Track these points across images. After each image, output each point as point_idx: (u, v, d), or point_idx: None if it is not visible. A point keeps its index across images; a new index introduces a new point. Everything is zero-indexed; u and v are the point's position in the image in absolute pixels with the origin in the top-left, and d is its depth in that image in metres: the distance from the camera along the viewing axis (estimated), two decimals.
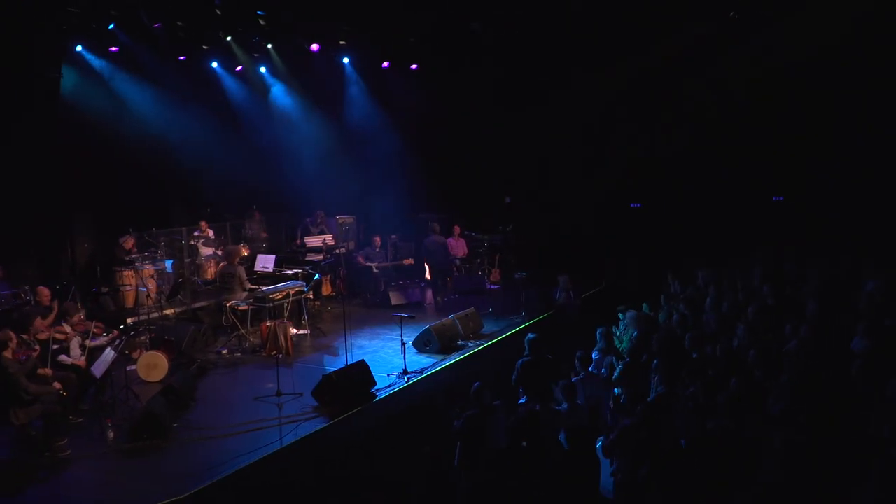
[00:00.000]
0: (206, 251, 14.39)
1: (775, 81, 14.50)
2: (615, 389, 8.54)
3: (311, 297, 13.96)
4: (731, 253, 13.68)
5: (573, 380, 8.05)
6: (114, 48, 12.94)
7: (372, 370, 9.88)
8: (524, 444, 6.60)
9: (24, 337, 8.24)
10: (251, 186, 15.82)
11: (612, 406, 8.29)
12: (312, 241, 15.24)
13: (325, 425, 8.30)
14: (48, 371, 8.08)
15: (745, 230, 15.03)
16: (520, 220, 16.70)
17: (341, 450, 8.24)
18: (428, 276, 16.11)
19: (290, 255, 15.21)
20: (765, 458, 5.71)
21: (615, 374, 8.76)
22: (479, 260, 16.21)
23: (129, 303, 12.49)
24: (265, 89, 16.43)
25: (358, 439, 8.53)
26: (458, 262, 16.06)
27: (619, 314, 10.98)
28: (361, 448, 8.39)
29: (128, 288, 12.37)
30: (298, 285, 12.00)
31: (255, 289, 11.77)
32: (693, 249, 14.38)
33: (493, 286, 15.72)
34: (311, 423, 8.34)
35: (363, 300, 14.79)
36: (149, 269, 12.80)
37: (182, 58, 14.25)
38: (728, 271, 12.20)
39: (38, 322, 8.87)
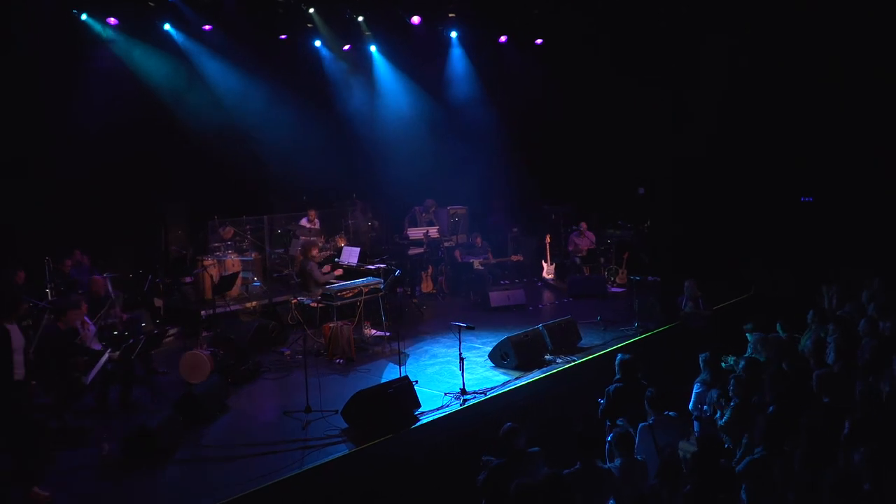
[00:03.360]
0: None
1: None
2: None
3: (409, 293, 12.89)
4: None
5: (640, 426, 6.07)
6: (207, 26, 12.41)
7: (429, 387, 8.53)
8: None
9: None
10: (350, 173, 14.83)
11: None
12: (415, 233, 14.03)
13: (342, 454, 6.94)
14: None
15: None
16: (655, 214, 14.40)
17: (359, 485, 6.84)
18: (546, 274, 14.44)
19: (391, 247, 14.09)
20: None
21: (723, 420, 6.66)
22: (602, 259, 14.15)
23: (209, 294, 11.93)
24: (361, 68, 15.25)
25: (387, 473, 7.10)
26: (578, 259, 14.18)
27: (747, 335, 8.67)
28: (390, 485, 6.95)
29: (189, 279, 11.78)
30: (374, 282, 10.75)
31: (332, 283, 10.74)
32: (871, 256, 11.52)
33: (616, 289, 13.65)
34: (328, 450, 7.02)
35: (465, 300, 13.36)
36: (233, 258, 12.20)
37: (283, 37, 13.56)
38: None
39: (73, 314, 8.21)
